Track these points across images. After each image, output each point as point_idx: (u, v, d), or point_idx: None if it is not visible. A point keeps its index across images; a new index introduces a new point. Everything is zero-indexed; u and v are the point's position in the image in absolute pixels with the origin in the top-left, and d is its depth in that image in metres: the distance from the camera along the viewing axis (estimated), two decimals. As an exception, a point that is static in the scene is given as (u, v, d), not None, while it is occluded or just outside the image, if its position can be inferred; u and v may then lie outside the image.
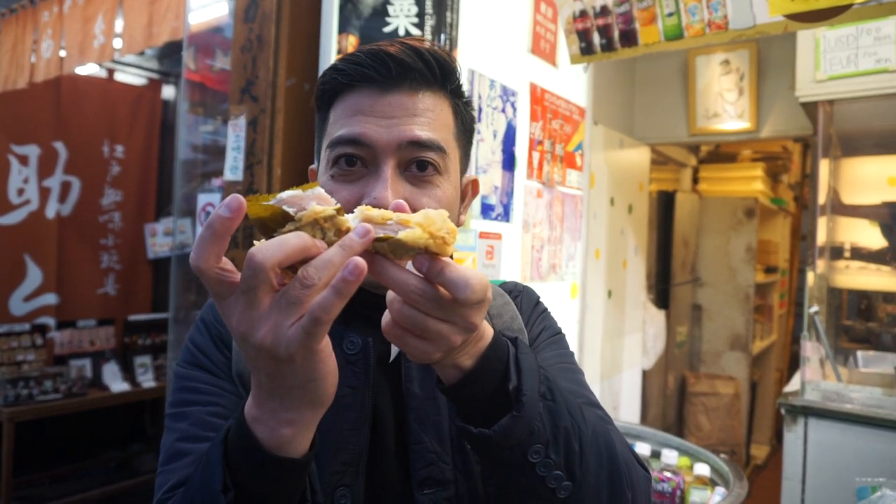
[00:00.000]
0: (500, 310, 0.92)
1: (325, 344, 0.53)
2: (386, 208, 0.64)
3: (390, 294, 0.56)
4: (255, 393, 0.56)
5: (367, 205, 0.67)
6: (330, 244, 0.51)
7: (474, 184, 0.90)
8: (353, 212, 0.55)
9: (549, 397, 0.61)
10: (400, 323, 0.55)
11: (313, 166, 0.88)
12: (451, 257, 0.55)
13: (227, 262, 0.51)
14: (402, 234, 0.53)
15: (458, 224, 0.83)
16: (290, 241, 0.49)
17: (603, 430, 0.69)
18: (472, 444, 0.62)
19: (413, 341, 0.56)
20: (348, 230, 0.53)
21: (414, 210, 0.72)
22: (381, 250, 0.54)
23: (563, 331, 0.98)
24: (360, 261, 0.49)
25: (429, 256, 0.53)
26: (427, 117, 0.75)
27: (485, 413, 0.60)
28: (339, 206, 0.53)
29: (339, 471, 0.73)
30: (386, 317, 0.57)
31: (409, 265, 0.55)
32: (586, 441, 0.64)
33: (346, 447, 0.74)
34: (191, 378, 0.79)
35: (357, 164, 0.74)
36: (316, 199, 0.53)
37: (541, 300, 1.01)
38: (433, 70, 0.76)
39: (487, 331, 0.61)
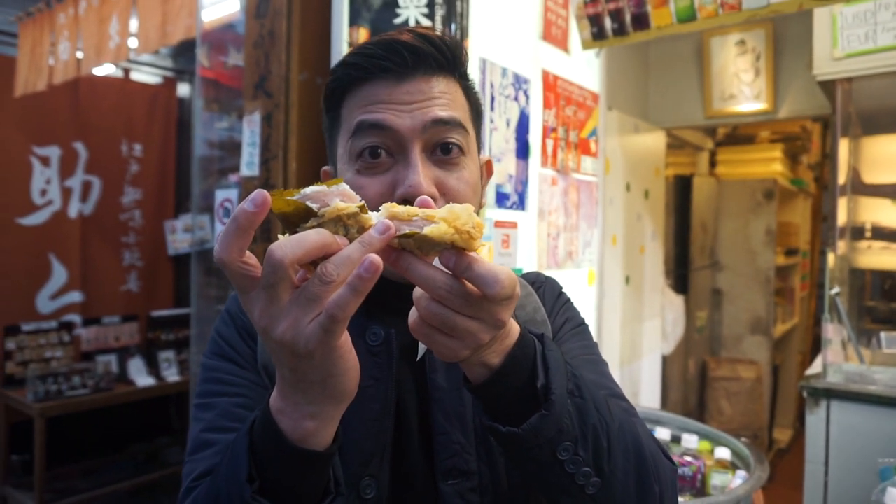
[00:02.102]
0: (523, 301, 0.92)
1: (345, 340, 0.53)
2: (421, 195, 0.65)
3: (417, 291, 0.56)
4: (279, 385, 0.57)
5: (402, 193, 0.72)
6: (352, 241, 0.51)
7: (488, 164, 0.90)
8: (378, 209, 0.55)
9: (576, 394, 0.61)
10: (427, 320, 0.55)
11: (326, 168, 0.88)
12: (479, 252, 0.55)
13: (250, 257, 0.51)
14: (428, 230, 0.52)
15: (480, 205, 0.84)
16: (309, 238, 0.49)
17: (629, 425, 0.68)
18: (500, 441, 0.62)
19: (441, 339, 0.56)
20: (370, 227, 0.53)
21: (443, 192, 0.74)
22: (408, 247, 0.54)
23: (585, 320, 0.98)
24: (376, 258, 0.49)
25: (455, 252, 0.53)
26: (445, 99, 0.76)
27: (512, 411, 0.59)
28: (362, 202, 0.53)
29: (364, 461, 0.74)
30: (413, 314, 0.57)
31: (436, 261, 0.55)
32: (614, 436, 0.64)
33: (371, 438, 0.75)
34: (217, 369, 0.80)
35: (382, 154, 0.74)
36: (340, 196, 0.53)
37: (563, 291, 1.01)
38: (445, 55, 0.77)
39: (514, 328, 0.61)
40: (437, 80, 0.77)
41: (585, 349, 0.90)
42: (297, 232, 0.51)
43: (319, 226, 0.52)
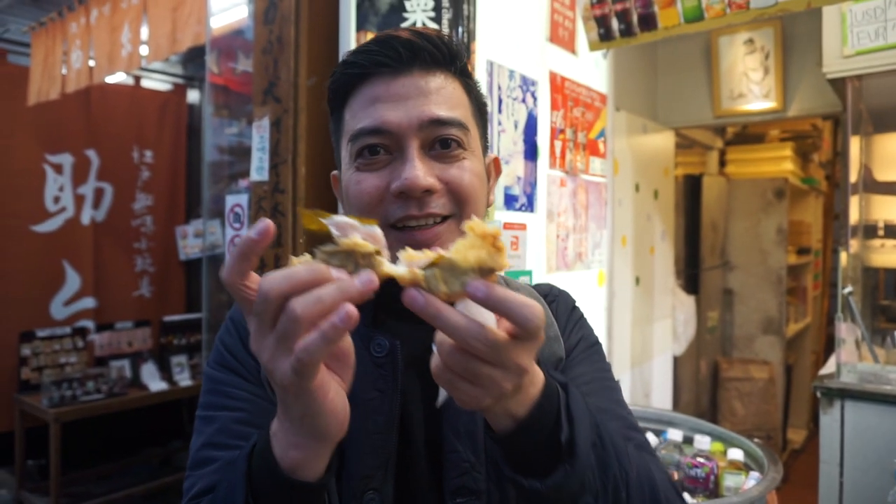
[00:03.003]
0: (547, 346, 0.88)
1: (323, 383, 0.52)
2: (418, 189, 0.70)
3: (440, 336, 0.54)
4: (278, 409, 0.57)
5: (398, 187, 0.71)
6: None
7: (496, 162, 0.89)
8: (397, 258, 0.54)
9: (599, 445, 0.60)
10: (451, 367, 0.54)
11: (335, 173, 0.87)
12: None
13: (253, 280, 0.53)
14: (454, 250, 0.51)
15: (487, 203, 0.83)
16: (298, 274, 0.49)
17: (645, 469, 0.68)
18: (521, 493, 0.59)
19: (464, 386, 0.54)
20: (383, 274, 0.52)
21: (445, 182, 0.73)
22: (433, 283, 0.52)
23: (595, 326, 0.96)
24: (353, 309, 0.48)
25: (485, 281, 0.51)
26: (442, 95, 0.75)
27: (534, 461, 0.58)
28: (379, 248, 0.53)
29: (367, 475, 0.72)
30: (435, 360, 0.55)
31: (459, 306, 0.53)
32: (633, 486, 0.63)
33: (374, 451, 0.73)
34: (220, 381, 0.79)
35: (381, 152, 0.74)
36: (365, 235, 0.53)
37: (577, 305, 0.97)
38: (441, 51, 0.76)
39: (538, 376, 0.59)
40: (433, 76, 0.76)
41: (599, 373, 0.88)
42: (312, 251, 0.53)
43: (333, 254, 0.52)
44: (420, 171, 0.71)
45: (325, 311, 0.48)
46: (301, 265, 0.50)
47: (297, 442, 0.55)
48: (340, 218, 0.54)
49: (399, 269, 0.53)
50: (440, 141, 0.74)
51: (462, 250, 0.51)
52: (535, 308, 0.51)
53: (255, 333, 0.51)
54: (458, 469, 0.73)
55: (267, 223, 0.50)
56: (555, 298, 0.96)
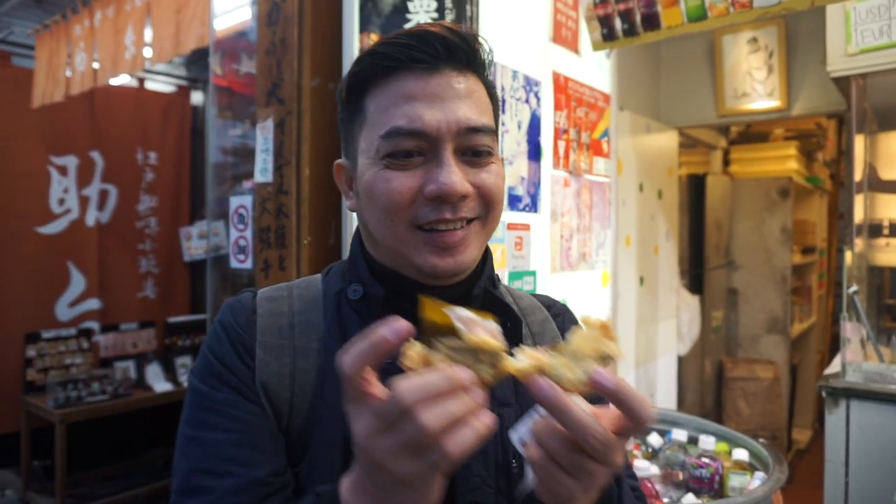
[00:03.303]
0: (541, 328, 0.89)
1: (440, 478, 0.53)
2: (456, 195, 0.70)
3: (543, 426, 0.55)
4: (356, 484, 0.56)
5: (434, 191, 0.70)
6: (481, 381, 0.52)
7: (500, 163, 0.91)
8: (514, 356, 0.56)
9: None
10: (557, 459, 0.54)
11: (341, 161, 0.84)
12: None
13: (369, 372, 0.52)
14: (572, 342, 0.55)
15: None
16: (435, 386, 0.49)
17: None
18: None
19: (563, 479, 0.55)
20: (505, 371, 0.53)
21: (476, 186, 0.74)
22: (559, 368, 0.54)
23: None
24: (491, 419, 0.50)
25: (608, 371, 0.53)
26: (474, 99, 0.74)
27: None
28: (506, 347, 0.53)
29: None
30: (534, 449, 0.56)
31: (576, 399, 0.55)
32: None
33: None
34: (209, 396, 0.73)
35: (414, 154, 0.72)
36: (487, 331, 0.53)
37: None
38: (475, 52, 0.75)
39: None
40: (465, 77, 0.74)
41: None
42: (430, 341, 0.53)
43: (457, 350, 0.52)
44: (457, 176, 0.70)
45: (453, 424, 0.49)
46: (436, 375, 0.50)
47: None
48: (462, 312, 0.53)
49: (521, 363, 0.54)
50: (473, 148, 0.74)
51: (580, 342, 0.55)
52: (649, 406, 0.54)
53: (375, 432, 0.51)
54: (470, 484, 0.73)
55: (402, 323, 0.50)
56: (560, 313, 0.95)
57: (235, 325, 0.77)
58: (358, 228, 0.83)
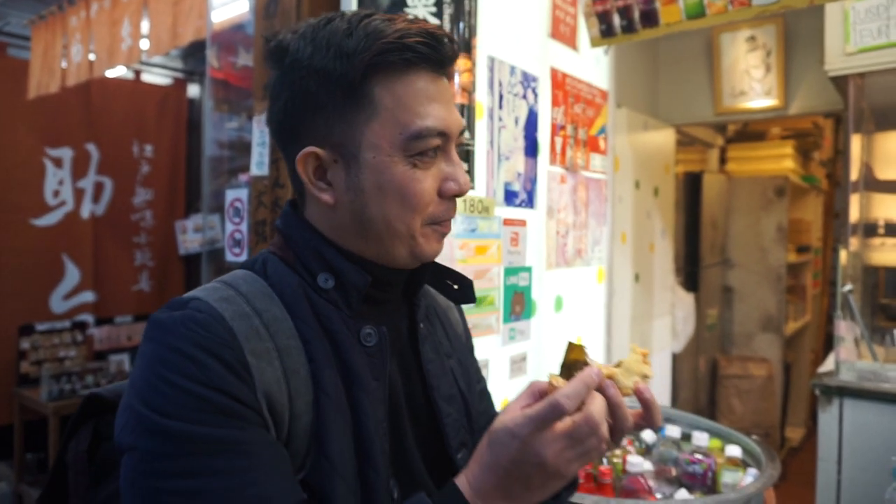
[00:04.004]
0: (448, 315, 0.98)
1: None
2: (468, 191, 0.79)
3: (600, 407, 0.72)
4: (489, 486, 0.67)
5: (455, 189, 0.77)
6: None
7: None
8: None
9: None
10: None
11: (315, 149, 0.74)
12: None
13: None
14: (626, 361, 0.77)
15: None
16: (599, 406, 0.67)
17: None
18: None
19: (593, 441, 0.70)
20: (625, 393, 0.74)
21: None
22: (620, 377, 0.76)
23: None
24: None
25: (647, 388, 0.77)
26: (453, 102, 0.79)
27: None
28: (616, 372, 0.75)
29: (385, 463, 0.75)
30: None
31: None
32: None
33: (384, 438, 0.75)
34: (217, 439, 0.62)
35: (434, 153, 0.76)
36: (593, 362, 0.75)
37: None
38: (456, 54, 0.78)
39: None
40: (450, 82, 0.80)
41: (480, 373, 1.03)
42: (564, 373, 0.73)
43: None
44: (466, 174, 0.78)
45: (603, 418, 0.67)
46: (598, 400, 0.68)
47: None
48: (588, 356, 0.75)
49: (593, 368, 0.74)
50: (460, 147, 0.81)
51: (630, 362, 0.77)
52: (661, 416, 0.77)
53: (565, 450, 0.65)
54: (454, 428, 0.84)
55: (599, 373, 0.71)
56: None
57: (217, 341, 0.65)
58: (304, 221, 0.79)
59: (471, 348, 1.03)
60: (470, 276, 0.88)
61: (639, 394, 0.75)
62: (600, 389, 0.71)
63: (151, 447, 0.61)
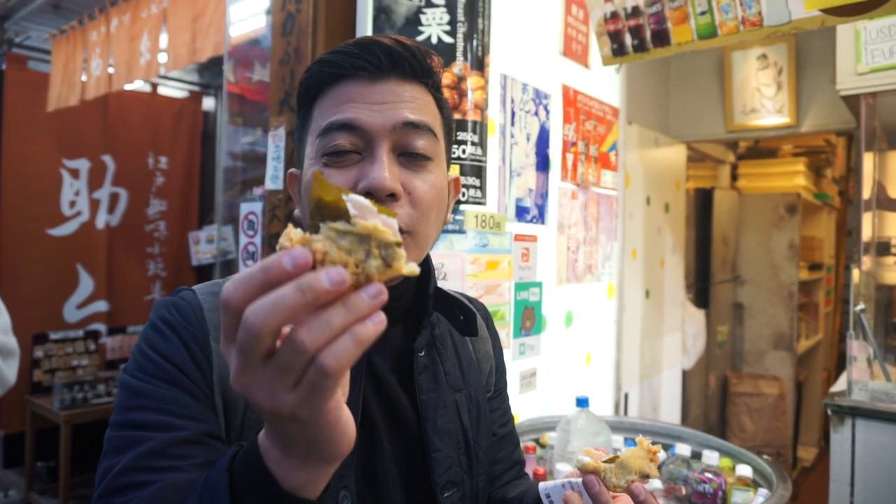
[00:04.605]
0: (469, 346, 0.94)
1: (338, 404, 0.47)
2: (384, 190, 0.70)
3: (575, 499, 0.71)
4: (268, 429, 0.50)
5: (364, 187, 0.69)
6: (363, 276, 0.44)
7: (456, 182, 0.88)
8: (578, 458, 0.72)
9: None
10: None
11: (294, 171, 0.84)
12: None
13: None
14: (624, 455, 0.69)
15: (445, 221, 0.83)
16: (286, 301, 0.40)
17: None
18: None
19: None
20: (399, 271, 0.45)
21: (408, 192, 0.73)
22: (609, 473, 0.69)
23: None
24: (383, 316, 0.43)
25: (645, 488, 0.69)
26: (417, 104, 0.76)
27: None
28: (399, 240, 0.45)
29: (340, 473, 0.70)
30: None
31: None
32: None
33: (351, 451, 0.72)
34: (152, 395, 0.66)
35: (350, 152, 0.73)
36: (384, 224, 0.45)
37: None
38: (420, 62, 0.76)
39: None
40: (410, 85, 0.76)
41: (508, 418, 1.01)
42: (317, 225, 0.45)
43: (343, 234, 0.44)
44: (388, 172, 0.70)
45: (335, 336, 0.41)
46: (285, 290, 0.41)
47: (303, 465, 0.49)
48: (358, 198, 0.46)
49: (586, 459, 0.70)
50: (410, 147, 0.74)
51: (631, 457, 0.69)
52: None
53: (241, 370, 0.43)
54: (444, 465, 0.80)
55: (305, 255, 0.41)
56: (480, 308, 1.03)
57: (185, 323, 0.71)
58: None
59: (500, 390, 0.99)
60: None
61: (633, 495, 0.70)
62: (586, 487, 0.69)
63: (117, 397, 0.70)
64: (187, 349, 0.70)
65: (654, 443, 0.73)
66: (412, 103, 0.75)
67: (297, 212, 0.83)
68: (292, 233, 0.43)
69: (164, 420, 0.65)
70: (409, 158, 0.74)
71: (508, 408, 1.02)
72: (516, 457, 1.00)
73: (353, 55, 0.74)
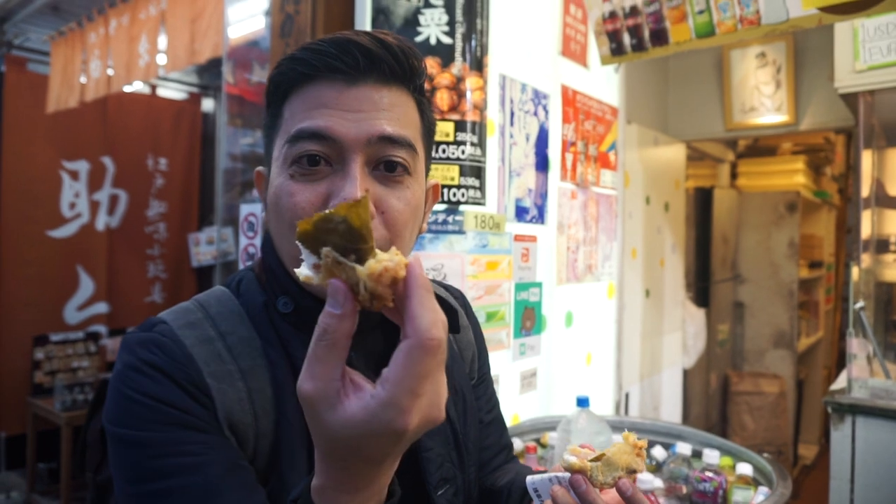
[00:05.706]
0: (464, 336, 0.95)
1: None
2: None
3: (562, 494, 0.70)
4: (325, 472, 0.54)
5: (335, 204, 0.65)
6: (371, 294, 0.50)
7: (435, 189, 0.84)
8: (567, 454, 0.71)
9: None
10: None
11: (261, 169, 0.79)
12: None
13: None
14: (611, 451, 0.69)
15: (420, 230, 0.79)
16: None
17: None
18: None
19: None
20: (395, 281, 0.49)
21: (382, 211, 0.69)
22: (595, 471, 0.69)
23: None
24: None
25: (632, 484, 0.69)
26: (395, 113, 0.70)
27: None
28: (403, 260, 0.50)
29: None
30: None
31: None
32: None
33: None
34: (170, 442, 0.64)
35: (321, 162, 0.68)
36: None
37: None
38: (401, 63, 0.71)
39: None
40: (388, 90, 0.70)
41: (494, 403, 1.00)
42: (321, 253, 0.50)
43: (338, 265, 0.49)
44: (360, 191, 0.66)
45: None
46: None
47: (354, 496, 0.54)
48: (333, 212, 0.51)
49: (571, 458, 0.70)
50: (385, 163, 0.70)
51: (617, 453, 0.69)
52: None
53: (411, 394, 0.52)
54: (436, 464, 0.79)
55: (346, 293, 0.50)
56: (458, 297, 1.02)
57: (173, 364, 0.67)
58: (271, 238, 0.77)
59: (483, 375, 0.98)
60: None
61: (620, 492, 0.69)
62: (572, 487, 0.68)
63: (112, 455, 0.66)
64: (182, 388, 0.66)
65: (650, 442, 0.75)
66: (390, 112, 0.70)
67: (264, 216, 0.81)
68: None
69: (187, 461, 0.63)
70: (386, 173, 0.70)
71: (493, 392, 1.01)
72: (504, 441, 0.99)
73: (327, 54, 0.68)
